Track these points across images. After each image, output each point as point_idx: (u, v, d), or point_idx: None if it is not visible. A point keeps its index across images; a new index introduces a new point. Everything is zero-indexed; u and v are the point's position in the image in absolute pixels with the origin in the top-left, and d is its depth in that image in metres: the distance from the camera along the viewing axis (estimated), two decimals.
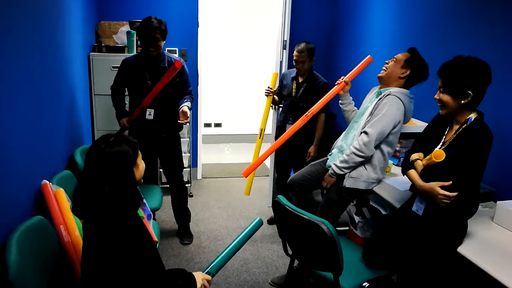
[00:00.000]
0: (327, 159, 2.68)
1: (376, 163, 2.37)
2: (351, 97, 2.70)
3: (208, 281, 1.67)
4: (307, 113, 2.78)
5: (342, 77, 2.67)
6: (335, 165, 2.42)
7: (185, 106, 2.89)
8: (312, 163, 2.79)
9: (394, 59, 2.38)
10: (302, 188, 2.71)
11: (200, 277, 1.65)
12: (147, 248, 1.51)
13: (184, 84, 3.03)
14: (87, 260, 1.49)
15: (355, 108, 2.71)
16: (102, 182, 1.42)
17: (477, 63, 1.76)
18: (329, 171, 2.47)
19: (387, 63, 2.41)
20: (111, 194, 1.42)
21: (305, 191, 2.73)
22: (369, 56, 2.69)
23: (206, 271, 1.73)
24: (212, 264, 1.76)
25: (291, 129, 2.82)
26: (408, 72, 2.33)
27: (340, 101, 2.72)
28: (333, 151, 2.64)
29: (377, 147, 2.37)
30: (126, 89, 3.06)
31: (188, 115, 2.88)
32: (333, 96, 2.74)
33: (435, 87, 1.88)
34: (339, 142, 2.62)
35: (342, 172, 2.39)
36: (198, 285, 1.62)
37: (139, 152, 1.56)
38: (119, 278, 1.41)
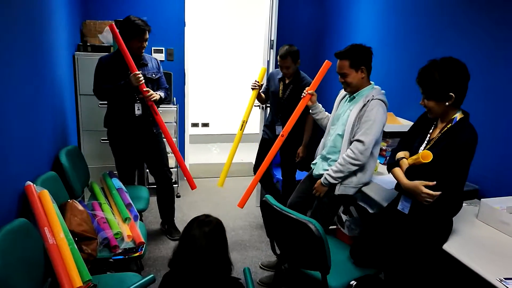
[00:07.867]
0: (312, 172, 2.67)
1: (367, 166, 2.38)
2: (320, 105, 2.70)
3: None
4: (282, 132, 2.83)
5: (306, 89, 2.67)
6: (329, 175, 2.39)
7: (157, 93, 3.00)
8: (301, 181, 2.77)
9: (343, 73, 2.35)
10: (302, 208, 2.68)
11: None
12: None
13: (162, 80, 3.17)
14: None
15: (327, 113, 2.71)
16: None
17: (451, 63, 1.76)
18: (322, 180, 2.43)
19: (342, 80, 2.39)
20: None
21: (306, 209, 2.70)
22: (326, 61, 2.68)
23: None
24: None
25: (271, 153, 2.84)
26: (365, 68, 2.34)
27: (310, 111, 2.72)
28: (316, 159, 2.64)
29: None
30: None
31: (149, 93, 2.86)
32: (301, 110, 2.73)
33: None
34: (321, 151, 2.62)
35: (336, 182, 2.39)
36: None
37: None
38: None
